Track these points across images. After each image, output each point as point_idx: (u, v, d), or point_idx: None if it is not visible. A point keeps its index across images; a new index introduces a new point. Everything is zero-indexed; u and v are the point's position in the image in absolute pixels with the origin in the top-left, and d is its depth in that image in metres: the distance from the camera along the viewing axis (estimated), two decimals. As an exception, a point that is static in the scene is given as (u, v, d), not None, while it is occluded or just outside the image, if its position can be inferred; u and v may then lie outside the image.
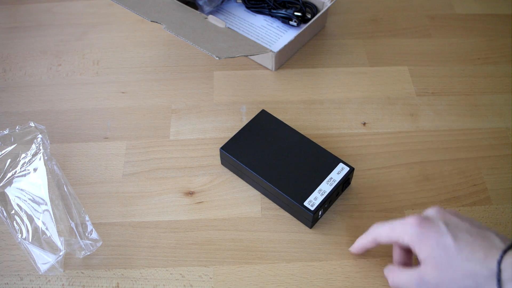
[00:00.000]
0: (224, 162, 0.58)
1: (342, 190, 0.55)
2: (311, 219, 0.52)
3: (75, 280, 0.51)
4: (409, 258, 0.48)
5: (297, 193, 0.52)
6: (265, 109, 0.60)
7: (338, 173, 0.53)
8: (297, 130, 0.58)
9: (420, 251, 0.42)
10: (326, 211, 0.55)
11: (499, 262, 0.38)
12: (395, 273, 0.46)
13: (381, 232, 0.46)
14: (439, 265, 0.41)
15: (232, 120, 0.64)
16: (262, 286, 0.51)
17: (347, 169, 0.54)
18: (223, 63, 0.70)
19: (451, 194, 0.57)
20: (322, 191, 0.52)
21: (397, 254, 0.48)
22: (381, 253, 0.53)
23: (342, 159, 0.57)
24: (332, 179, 0.53)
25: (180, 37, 0.59)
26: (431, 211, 0.45)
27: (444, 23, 0.76)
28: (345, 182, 0.54)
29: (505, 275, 0.38)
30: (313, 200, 0.51)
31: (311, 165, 0.54)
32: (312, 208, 0.51)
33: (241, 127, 0.59)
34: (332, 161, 0.54)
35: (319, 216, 0.53)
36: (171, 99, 0.66)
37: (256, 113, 0.60)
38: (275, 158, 0.55)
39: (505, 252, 0.39)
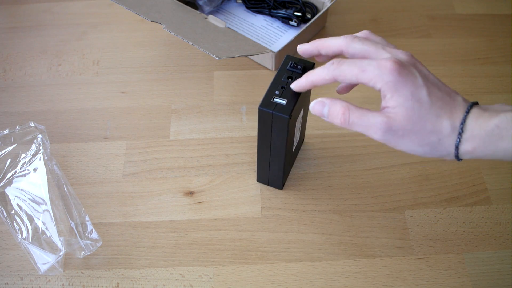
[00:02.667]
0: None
1: None
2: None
3: (75, 280, 0.51)
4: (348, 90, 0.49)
5: None
6: None
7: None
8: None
9: (392, 99, 0.40)
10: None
11: (463, 122, 0.39)
12: (356, 113, 0.41)
13: (347, 71, 0.42)
14: (410, 116, 0.40)
15: (232, 120, 0.64)
16: (262, 286, 0.51)
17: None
18: (223, 63, 0.70)
19: (451, 194, 0.57)
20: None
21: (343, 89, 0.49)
22: (381, 253, 0.53)
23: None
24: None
25: (180, 37, 0.59)
26: (401, 55, 0.42)
27: (444, 23, 0.76)
28: None
29: (464, 135, 0.39)
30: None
31: None
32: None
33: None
34: None
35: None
36: (171, 99, 0.66)
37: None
38: None
39: (468, 111, 0.40)
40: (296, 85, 0.46)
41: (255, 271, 0.52)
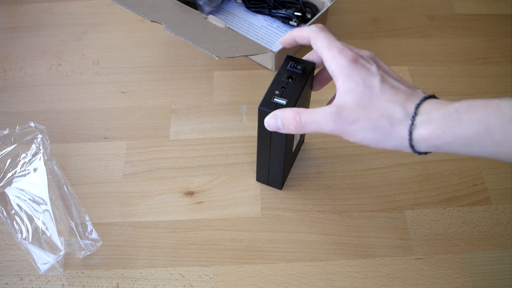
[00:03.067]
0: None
1: None
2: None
3: (75, 280, 0.51)
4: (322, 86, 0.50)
5: None
6: None
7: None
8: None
9: (343, 84, 0.41)
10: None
11: (417, 106, 0.38)
12: (306, 113, 0.42)
13: (320, 39, 0.43)
14: (359, 102, 0.40)
15: (232, 120, 0.64)
16: (262, 286, 0.51)
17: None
18: (223, 63, 0.70)
19: (451, 194, 0.57)
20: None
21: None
22: (381, 253, 0.53)
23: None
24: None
25: (180, 37, 0.59)
26: (366, 52, 0.43)
27: (444, 23, 0.76)
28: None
29: (418, 119, 0.38)
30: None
31: None
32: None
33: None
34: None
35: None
36: (171, 99, 0.66)
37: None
38: None
39: (425, 99, 0.39)
40: (281, 39, 0.48)
41: (255, 271, 0.52)
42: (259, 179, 0.57)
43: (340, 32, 0.74)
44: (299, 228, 0.55)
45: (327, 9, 0.71)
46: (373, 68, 0.41)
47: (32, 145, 0.57)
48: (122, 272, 0.52)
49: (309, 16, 0.73)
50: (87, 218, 0.54)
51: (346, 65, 0.41)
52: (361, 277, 0.51)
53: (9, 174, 0.56)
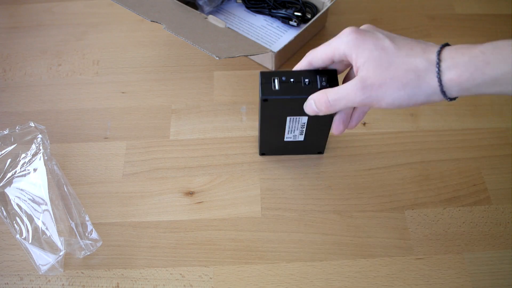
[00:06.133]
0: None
1: None
2: None
3: (75, 280, 0.51)
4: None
5: None
6: None
7: None
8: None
9: (358, 56, 0.41)
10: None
11: (439, 53, 0.39)
12: (331, 92, 0.43)
13: (317, 52, 0.45)
14: (380, 65, 0.40)
15: (232, 120, 0.64)
16: (262, 286, 0.51)
17: None
18: (223, 63, 0.70)
19: (451, 194, 0.57)
20: None
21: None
22: (381, 253, 0.53)
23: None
24: None
25: (180, 37, 0.59)
26: (365, 26, 0.44)
27: (444, 23, 0.76)
28: None
29: (444, 65, 0.38)
30: None
31: None
32: None
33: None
34: None
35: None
36: (171, 99, 0.66)
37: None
38: None
39: (443, 46, 0.40)
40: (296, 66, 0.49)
41: (255, 271, 0.52)
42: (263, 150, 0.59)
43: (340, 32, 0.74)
44: (299, 228, 0.55)
45: (327, 9, 0.71)
46: (377, 33, 0.42)
47: (32, 145, 0.57)
48: (122, 272, 0.52)
49: (309, 16, 0.73)
50: (87, 218, 0.54)
51: (352, 39, 0.41)
52: (361, 277, 0.51)
53: (9, 174, 0.56)
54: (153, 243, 0.54)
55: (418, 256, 0.53)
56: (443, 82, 0.38)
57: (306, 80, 0.48)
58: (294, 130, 0.54)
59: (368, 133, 0.62)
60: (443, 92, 0.39)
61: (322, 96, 0.44)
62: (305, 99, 0.47)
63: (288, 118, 0.52)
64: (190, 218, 0.56)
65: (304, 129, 0.54)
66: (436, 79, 0.39)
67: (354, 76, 0.46)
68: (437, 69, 0.38)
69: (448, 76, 0.38)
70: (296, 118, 0.52)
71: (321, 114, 0.46)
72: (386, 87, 0.40)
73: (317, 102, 0.45)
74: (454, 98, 0.40)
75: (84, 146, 0.62)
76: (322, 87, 0.47)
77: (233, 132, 0.63)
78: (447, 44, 0.40)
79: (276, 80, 0.48)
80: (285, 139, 0.56)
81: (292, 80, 0.48)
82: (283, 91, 0.48)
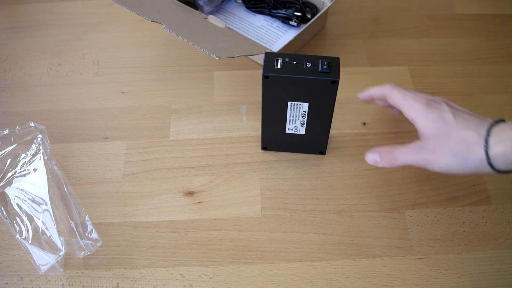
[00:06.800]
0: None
1: None
2: None
3: (75, 280, 0.51)
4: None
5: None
6: None
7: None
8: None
9: (421, 124, 0.48)
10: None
11: (489, 130, 0.43)
12: (397, 149, 0.49)
13: (395, 94, 0.51)
14: (438, 135, 0.46)
15: (232, 120, 0.64)
16: (262, 286, 0.51)
17: None
18: (223, 63, 0.70)
19: (451, 194, 0.57)
20: None
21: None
22: (381, 253, 0.53)
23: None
24: None
25: (180, 37, 0.59)
26: (437, 97, 0.50)
27: (444, 23, 0.76)
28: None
29: (491, 140, 0.43)
30: None
31: None
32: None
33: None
34: None
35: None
36: (171, 99, 0.66)
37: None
38: None
39: (496, 123, 0.44)
40: (361, 97, 0.57)
41: (255, 271, 0.52)
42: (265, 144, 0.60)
43: (340, 32, 0.74)
44: (299, 228, 0.55)
45: (327, 9, 0.71)
46: (445, 107, 0.48)
47: (32, 145, 0.57)
48: (122, 272, 0.52)
49: (309, 16, 0.73)
50: (87, 218, 0.54)
51: (421, 109, 0.48)
52: (361, 277, 0.51)
53: (9, 174, 0.56)
54: (153, 243, 0.54)
55: (418, 256, 0.53)
56: (490, 155, 0.43)
57: (309, 63, 0.50)
58: (295, 120, 0.54)
59: (369, 133, 0.62)
60: (490, 164, 0.43)
61: (389, 150, 0.50)
62: (305, 80, 0.49)
63: (289, 104, 0.53)
64: (190, 218, 0.56)
65: (305, 120, 0.54)
66: (483, 152, 0.43)
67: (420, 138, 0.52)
68: (484, 143, 0.43)
69: (494, 149, 0.42)
70: (297, 105, 0.53)
71: (379, 166, 0.50)
72: (439, 154, 0.46)
73: (382, 155, 0.50)
74: (506, 172, 0.43)
75: (84, 146, 0.62)
76: (323, 71, 0.49)
77: (233, 132, 0.63)
78: (502, 120, 0.45)
79: (279, 60, 0.50)
80: (287, 131, 0.56)
81: (294, 62, 0.50)
82: (285, 71, 0.50)
